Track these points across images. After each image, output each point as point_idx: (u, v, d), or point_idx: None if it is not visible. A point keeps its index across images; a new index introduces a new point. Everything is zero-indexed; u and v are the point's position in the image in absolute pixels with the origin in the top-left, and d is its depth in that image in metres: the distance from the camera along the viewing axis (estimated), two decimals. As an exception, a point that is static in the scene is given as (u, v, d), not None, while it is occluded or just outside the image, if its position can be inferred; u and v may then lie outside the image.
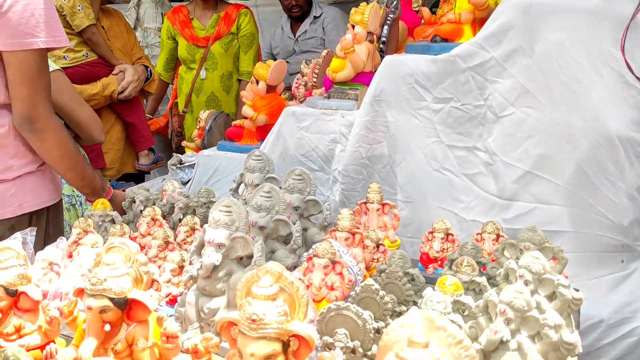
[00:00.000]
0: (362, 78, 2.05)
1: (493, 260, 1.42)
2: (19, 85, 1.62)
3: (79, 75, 2.49)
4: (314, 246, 1.39)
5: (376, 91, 1.90)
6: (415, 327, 0.72)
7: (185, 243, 1.64)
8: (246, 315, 0.90)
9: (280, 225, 1.45)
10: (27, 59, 1.60)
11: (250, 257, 1.30)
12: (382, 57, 2.10)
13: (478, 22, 1.91)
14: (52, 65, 2.05)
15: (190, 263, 1.39)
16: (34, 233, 1.51)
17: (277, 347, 0.90)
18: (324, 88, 2.21)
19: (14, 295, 1.12)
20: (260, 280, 0.93)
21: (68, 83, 2.08)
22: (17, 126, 1.67)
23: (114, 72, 2.62)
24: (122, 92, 2.59)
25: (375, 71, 2.00)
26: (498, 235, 1.56)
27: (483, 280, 1.30)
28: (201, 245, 1.35)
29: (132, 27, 3.82)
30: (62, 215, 2.01)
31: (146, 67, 2.77)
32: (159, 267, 1.46)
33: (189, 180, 2.30)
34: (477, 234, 1.60)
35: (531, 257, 1.13)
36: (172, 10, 3.54)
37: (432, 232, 1.60)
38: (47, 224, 1.83)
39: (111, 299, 1.00)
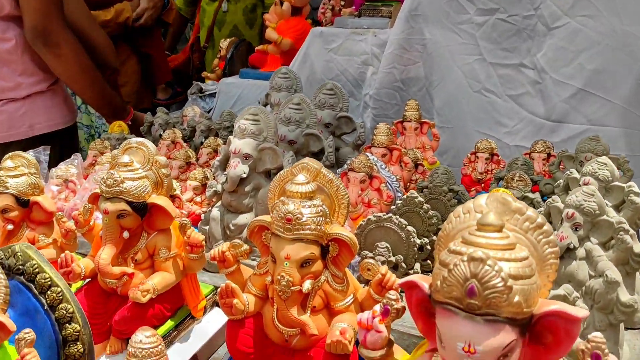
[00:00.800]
0: (396, -7, 1.89)
1: (547, 177, 1.29)
2: None
3: (91, 0, 2.36)
4: (349, 160, 1.27)
5: (412, 4, 1.74)
6: (486, 210, 0.60)
7: (207, 166, 1.54)
8: (280, 215, 0.78)
9: (311, 140, 1.33)
10: None
11: (279, 170, 1.19)
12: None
13: None
14: None
15: (214, 179, 1.29)
16: (48, 152, 1.42)
17: (316, 250, 0.79)
18: (353, 7, 2.05)
19: (26, 205, 1.04)
20: (296, 177, 0.82)
21: (80, 2, 1.96)
22: (30, 41, 1.56)
23: None
24: (137, 19, 2.45)
25: (411, -14, 1.83)
26: (549, 155, 1.42)
27: (537, 195, 1.17)
28: (225, 159, 1.24)
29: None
30: (77, 141, 1.93)
31: None
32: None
33: (210, 109, 2.18)
34: (525, 153, 1.46)
35: (597, 163, 1.00)
36: None
37: (474, 153, 1.47)
38: (61, 149, 1.74)
39: (129, 203, 0.90)
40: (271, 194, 0.87)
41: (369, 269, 0.82)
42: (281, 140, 1.31)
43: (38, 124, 1.66)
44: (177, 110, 2.52)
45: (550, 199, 0.93)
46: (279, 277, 0.77)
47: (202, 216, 1.26)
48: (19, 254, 0.73)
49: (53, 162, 1.55)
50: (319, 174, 0.84)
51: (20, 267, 0.72)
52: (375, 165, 1.23)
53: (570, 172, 1.05)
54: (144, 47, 2.57)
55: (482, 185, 1.45)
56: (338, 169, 1.35)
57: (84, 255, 1.24)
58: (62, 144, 1.73)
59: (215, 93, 2.19)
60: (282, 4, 2.12)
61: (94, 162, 1.53)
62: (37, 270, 0.72)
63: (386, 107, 1.86)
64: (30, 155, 1.11)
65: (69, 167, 1.34)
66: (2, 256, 0.73)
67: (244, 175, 1.15)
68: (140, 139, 0.95)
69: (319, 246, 0.80)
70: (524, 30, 1.62)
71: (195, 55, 3.15)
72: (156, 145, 1.64)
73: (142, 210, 0.92)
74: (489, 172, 1.45)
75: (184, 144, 1.61)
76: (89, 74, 1.67)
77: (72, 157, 1.39)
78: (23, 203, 1.03)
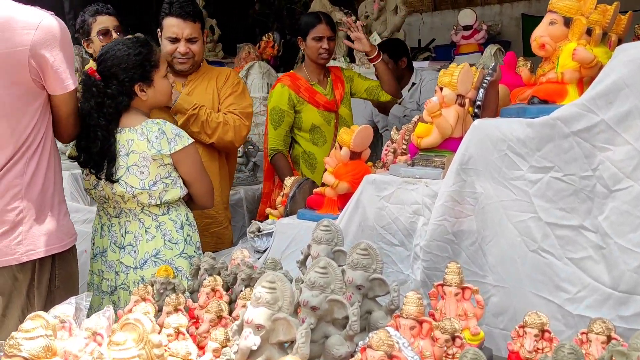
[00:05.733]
0: (450, 144, 1.87)
1: (598, 372, 1.12)
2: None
3: None
4: (369, 334, 1.19)
5: (463, 158, 1.70)
6: None
7: (241, 318, 1.52)
8: None
9: (335, 306, 1.27)
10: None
11: (292, 343, 1.14)
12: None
13: (586, 82, 1.67)
14: (189, 139, 2.21)
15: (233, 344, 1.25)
16: (89, 299, 1.48)
17: None
18: (409, 155, 2.05)
19: (37, 367, 1.06)
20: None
21: (198, 156, 2.26)
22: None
23: None
24: None
25: (466, 137, 1.81)
26: (609, 337, 1.25)
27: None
28: (243, 325, 1.21)
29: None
30: (73, 267, 2.02)
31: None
32: (203, 347, 1.34)
33: (266, 249, 2.20)
34: (582, 333, 1.30)
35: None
36: (288, 78, 3.29)
37: (523, 327, 1.33)
38: (52, 274, 1.86)
39: (117, 383, 0.89)
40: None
41: None
42: (304, 305, 1.26)
43: (32, 250, 1.87)
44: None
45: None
46: None
47: (215, 384, 1.22)
48: None
49: (42, 289, 1.84)
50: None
51: None
52: (398, 342, 1.14)
53: (614, 381, 0.90)
54: None
55: (531, 365, 1.29)
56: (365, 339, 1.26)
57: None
58: (53, 269, 1.91)
59: (272, 232, 2.22)
60: (341, 148, 2.16)
61: (134, 307, 1.56)
62: None
63: (437, 259, 1.77)
64: (69, 311, 1.15)
65: (100, 319, 1.37)
66: None
67: (254, 348, 1.11)
68: (137, 315, 0.95)
69: None
70: (582, 191, 1.51)
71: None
72: (198, 291, 1.67)
73: (130, 391, 0.90)
74: (539, 351, 1.29)
75: (224, 293, 1.61)
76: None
77: (105, 309, 1.43)
78: (34, 366, 1.06)
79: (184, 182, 2.23)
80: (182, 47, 2.66)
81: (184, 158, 2.19)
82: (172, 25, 2.64)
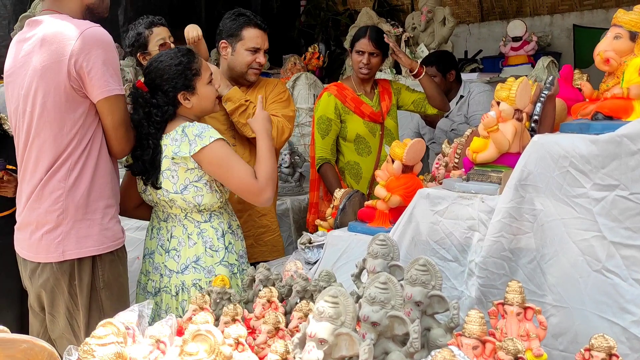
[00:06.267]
0: (507, 159, 1.84)
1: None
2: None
3: None
4: (432, 352, 1.18)
5: (522, 174, 1.67)
6: None
7: (297, 331, 1.53)
8: None
9: (395, 322, 1.26)
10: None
11: (354, 357, 1.14)
12: (532, 137, 1.87)
13: (652, 98, 1.62)
14: (215, 135, 2.16)
15: (294, 357, 1.26)
16: (151, 306, 1.51)
17: None
18: (463, 170, 2.02)
19: (108, 373, 1.09)
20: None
21: (223, 152, 2.16)
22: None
23: None
24: None
25: (523, 152, 1.77)
26: (682, 365, 1.20)
27: None
28: (304, 338, 1.22)
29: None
30: (119, 269, 2.08)
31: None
32: (261, 358, 1.36)
33: (317, 260, 2.21)
34: (652, 358, 1.25)
35: None
36: (335, 88, 3.31)
37: (589, 350, 1.29)
38: (93, 276, 1.95)
39: (189, 393, 0.91)
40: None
41: None
42: (364, 320, 1.26)
43: (70, 250, 2.00)
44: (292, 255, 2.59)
45: None
46: None
47: (276, 397, 1.23)
48: None
49: (85, 287, 2.00)
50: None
51: None
52: (462, 362, 1.13)
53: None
54: None
55: (597, 390, 1.25)
56: (426, 357, 1.25)
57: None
58: (94, 271, 2.01)
59: (323, 244, 2.23)
60: (393, 162, 2.16)
61: (192, 315, 1.59)
62: None
63: (493, 277, 1.74)
64: (132, 318, 1.19)
65: (163, 327, 1.40)
66: None
67: (318, 362, 1.12)
68: (209, 327, 0.97)
69: None
70: (650, 210, 1.46)
71: None
72: (253, 302, 1.70)
73: (201, 401, 0.92)
74: (606, 376, 1.25)
75: (279, 304, 1.63)
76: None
77: (167, 317, 1.46)
78: (106, 371, 1.09)
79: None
80: (261, 57, 2.71)
81: (204, 158, 2.13)
82: (257, 37, 2.68)
